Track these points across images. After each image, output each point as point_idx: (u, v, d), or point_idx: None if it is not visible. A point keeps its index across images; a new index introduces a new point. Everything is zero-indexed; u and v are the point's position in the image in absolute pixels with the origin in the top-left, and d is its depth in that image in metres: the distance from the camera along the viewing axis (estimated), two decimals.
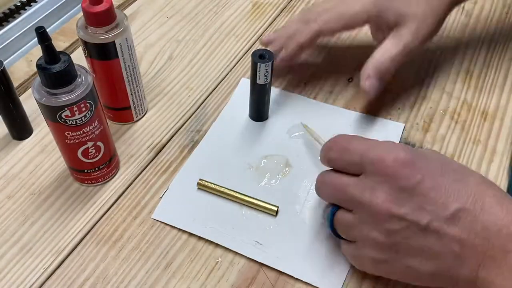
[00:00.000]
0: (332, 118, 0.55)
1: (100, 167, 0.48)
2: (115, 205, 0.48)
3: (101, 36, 0.46)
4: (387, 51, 0.51)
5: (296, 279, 0.43)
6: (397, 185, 0.37)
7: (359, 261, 0.41)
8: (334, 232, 0.42)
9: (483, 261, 0.35)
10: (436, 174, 0.37)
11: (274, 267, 0.44)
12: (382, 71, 0.51)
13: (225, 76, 0.61)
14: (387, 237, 0.37)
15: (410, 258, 0.37)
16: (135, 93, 0.53)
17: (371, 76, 0.51)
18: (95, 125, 0.45)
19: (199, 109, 0.57)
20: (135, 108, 0.54)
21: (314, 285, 0.43)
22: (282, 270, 0.44)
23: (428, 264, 0.36)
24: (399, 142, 0.53)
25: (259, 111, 0.55)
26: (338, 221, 0.41)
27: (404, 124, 0.55)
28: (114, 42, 0.47)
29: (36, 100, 0.42)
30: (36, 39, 0.41)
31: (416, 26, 0.50)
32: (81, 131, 0.44)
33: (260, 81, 0.50)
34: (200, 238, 0.46)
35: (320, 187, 0.42)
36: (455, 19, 0.67)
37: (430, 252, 0.36)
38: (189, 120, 0.56)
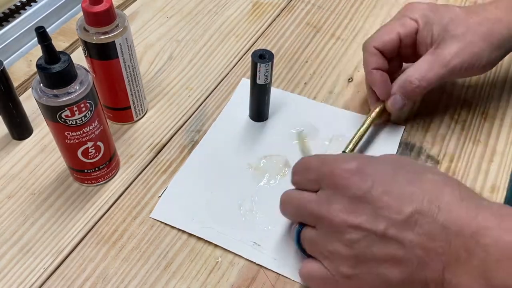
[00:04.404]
0: (332, 118, 0.55)
1: (100, 167, 0.48)
2: (115, 205, 0.48)
3: (101, 36, 0.46)
4: (417, 70, 0.49)
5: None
6: (349, 195, 0.36)
7: (330, 281, 0.39)
8: (301, 250, 0.41)
9: (446, 262, 0.34)
10: (387, 178, 0.37)
11: (271, 269, 0.44)
12: (408, 91, 0.49)
13: (225, 76, 0.61)
14: (350, 249, 0.36)
15: (378, 267, 0.36)
16: (135, 93, 0.53)
17: (395, 93, 0.50)
18: (95, 125, 0.45)
19: (199, 109, 0.57)
20: (135, 108, 0.54)
21: None
22: (279, 272, 0.43)
23: (396, 270, 0.36)
24: (399, 143, 0.53)
25: (259, 111, 0.55)
26: (304, 239, 0.41)
27: (404, 127, 0.54)
28: (114, 42, 0.47)
29: (36, 100, 0.42)
30: (36, 39, 0.41)
31: (458, 47, 0.47)
32: (81, 131, 0.44)
33: (260, 81, 0.50)
34: (200, 238, 0.46)
35: (283, 206, 0.42)
36: None
37: (395, 258, 0.35)
38: (189, 120, 0.56)
